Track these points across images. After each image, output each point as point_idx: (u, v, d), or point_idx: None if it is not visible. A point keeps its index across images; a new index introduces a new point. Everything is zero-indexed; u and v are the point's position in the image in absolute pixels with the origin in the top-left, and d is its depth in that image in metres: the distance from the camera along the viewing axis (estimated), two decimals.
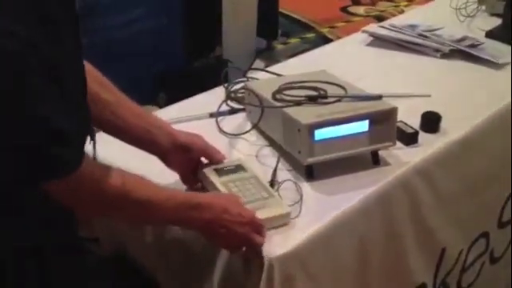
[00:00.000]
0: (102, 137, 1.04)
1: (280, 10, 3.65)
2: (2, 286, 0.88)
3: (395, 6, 4.36)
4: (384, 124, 1.17)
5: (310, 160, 1.14)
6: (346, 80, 1.30)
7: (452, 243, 1.40)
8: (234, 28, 3.05)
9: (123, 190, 0.88)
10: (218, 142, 1.18)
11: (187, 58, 2.94)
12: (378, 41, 1.79)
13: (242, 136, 1.30)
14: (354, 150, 1.17)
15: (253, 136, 1.30)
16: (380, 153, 1.21)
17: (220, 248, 1.05)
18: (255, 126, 1.30)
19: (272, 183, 1.13)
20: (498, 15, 1.93)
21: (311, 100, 1.20)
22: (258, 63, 3.24)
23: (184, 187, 1.13)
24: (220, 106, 1.38)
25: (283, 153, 1.22)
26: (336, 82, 1.28)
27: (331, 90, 1.23)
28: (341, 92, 1.23)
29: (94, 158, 0.97)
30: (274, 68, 1.64)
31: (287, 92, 1.24)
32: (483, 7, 2.01)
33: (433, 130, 1.33)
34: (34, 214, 0.86)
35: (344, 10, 4.31)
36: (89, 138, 0.95)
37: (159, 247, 1.15)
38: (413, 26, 1.81)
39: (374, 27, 1.85)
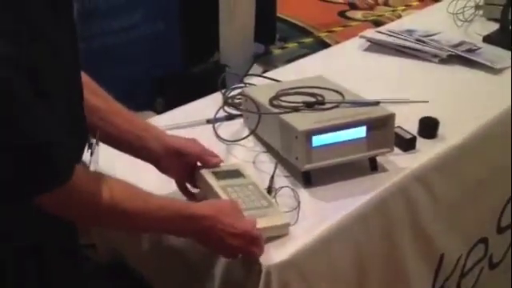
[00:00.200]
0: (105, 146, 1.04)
1: (278, 14, 3.65)
2: (2, 286, 0.88)
3: (393, 11, 4.37)
4: (382, 130, 1.17)
5: (308, 166, 1.13)
6: (344, 85, 1.29)
7: (451, 249, 1.39)
8: (231, 33, 3.05)
9: (114, 202, 0.87)
10: (215, 149, 1.17)
11: (185, 64, 2.93)
12: (376, 46, 1.79)
13: (240, 142, 1.29)
14: (351, 156, 1.16)
15: (250, 142, 1.30)
16: (378, 159, 1.21)
17: (217, 256, 1.04)
18: (252, 133, 1.29)
19: (269, 190, 1.13)
20: (495, 20, 1.93)
21: (308, 106, 1.19)
22: (256, 68, 3.24)
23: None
24: (217, 112, 1.38)
25: (281, 159, 1.21)
26: (333, 87, 1.27)
27: (328, 96, 1.23)
28: (338, 98, 1.23)
29: (89, 166, 0.97)
30: (272, 73, 1.64)
31: (284, 98, 1.23)
32: (480, 12, 2.00)
33: (431, 135, 1.32)
34: (34, 214, 0.85)
35: (342, 14, 4.32)
36: (86, 147, 0.95)
37: (156, 254, 1.14)
38: (410, 31, 1.81)
39: (371, 32, 1.84)
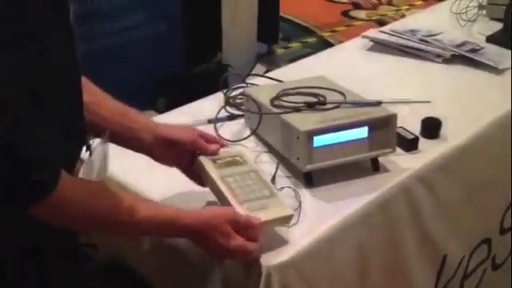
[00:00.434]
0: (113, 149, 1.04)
1: (281, 14, 3.65)
2: (2, 286, 0.88)
3: (396, 11, 4.36)
4: (383, 130, 1.16)
5: (309, 167, 1.12)
6: (346, 85, 1.29)
7: (453, 250, 1.38)
8: (234, 33, 3.05)
9: (103, 212, 0.87)
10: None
11: (187, 64, 2.93)
12: (379, 46, 1.78)
13: (241, 142, 1.29)
14: (353, 156, 1.15)
15: (251, 142, 1.29)
16: (380, 159, 1.20)
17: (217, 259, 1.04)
18: (254, 133, 1.29)
19: None
20: (498, 20, 1.92)
21: (310, 106, 1.19)
22: (259, 68, 3.24)
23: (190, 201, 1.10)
24: (218, 112, 1.37)
25: (282, 159, 1.21)
26: (335, 88, 1.27)
27: (330, 96, 1.22)
28: (340, 98, 1.22)
29: (86, 164, 0.96)
30: (274, 73, 1.63)
31: (286, 98, 1.23)
32: (484, 12, 2.00)
33: (433, 135, 1.31)
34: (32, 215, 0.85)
35: (345, 14, 4.31)
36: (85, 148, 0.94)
37: (156, 255, 1.14)
38: (413, 31, 1.80)
39: (374, 32, 1.84)
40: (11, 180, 0.74)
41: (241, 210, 0.98)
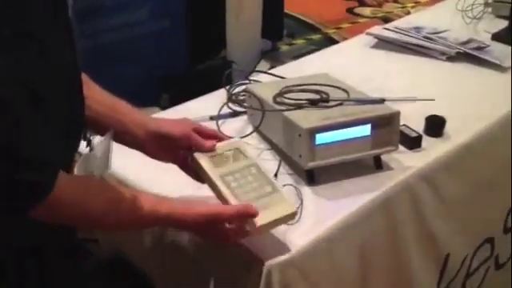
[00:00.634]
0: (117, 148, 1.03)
1: (285, 10, 3.64)
2: (2, 286, 0.87)
3: (402, 8, 4.34)
4: (386, 128, 1.15)
5: (311, 164, 1.12)
6: (350, 83, 1.28)
7: (456, 249, 1.38)
8: (238, 29, 3.04)
9: (99, 211, 0.86)
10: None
11: (191, 60, 2.93)
12: (383, 43, 1.77)
13: (243, 139, 1.28)
14: (355, 154, 1.15)
15: (254, 139, 1.29)
16: (382, 157, 1.19)
17: (219, 254, 1.03)
18: (256, 130, 1.28)
19: None
20: (504, 17, 1.91)
21: (312, 104, 1.18)
22: (263, 64, 3.23)
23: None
24: (221, 109, 1.37)
25: (284, 156, 1.20)
26: (338, 85, 1.26)
27: (333, 94, 1.22)
28: (343, 95, 1.21)
29: (84, 158, 0.96)
30: (278, 70, 1.63)
31: (288, 95, 1.22)
32: (489, 9, 1.99)
33: (437, 133, 1.30)
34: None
35: (350, 11, 4.30)
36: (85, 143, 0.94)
37: (158, 251, 1.13)
38: (418, 29, 1.79)
39: (378, 29, 1.83)
40: (9, 181, 0.74)
41: None
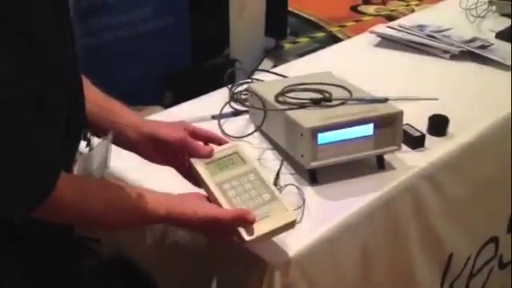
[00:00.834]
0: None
1: (289, 8, 3.62)
2: (17, 265, 0.87)
3: (406, 6, 4.33)
4: (389, 128, 1.14)
5: (313, 164, 1.11)
6: (353, 82, 1.27)
7: (460, 249, 1.37)
8: (241, 27, 3.03)
9: (98, 212, 0.86)
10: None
11: (194, 58, 2.92)
12: (386, 41, 1.76)
13: (245, 139, 1.28)
14: (358, 154, 1.14)
15: (256, 139, 1.28)
16: (385, 157, 1.19)
17: (221, 255, 1.03)
18: (258, 129, 1.28)
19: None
20: (508, 16, 1.90)
21: (315, 103, 1.17)
22: (267, 63, 3.22)
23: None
24: (223, 108, 1.36)
25: (286, 156, 1.19)
26: (341, 84, 1.25)
27: (336, 93, 1.21)
28: (346, 95, 1.21)
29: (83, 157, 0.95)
30: (281, 68, 1.62)
31: (290, 94, 1.21)
32: (493, 8, 1.97)
33: (440, 133, 1.30)
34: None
35: (354, 9, 4.28)
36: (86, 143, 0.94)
37: (159, 250, 1.13)
38: (422, 27, 1.78)
39: (382, 28, 1.82)
40: (10, 182, 0.74)
41: None
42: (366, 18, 4.10)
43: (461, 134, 1.31)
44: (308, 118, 1.12)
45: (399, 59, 1.68)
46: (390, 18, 3.89)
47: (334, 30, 3.91)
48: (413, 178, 1.19)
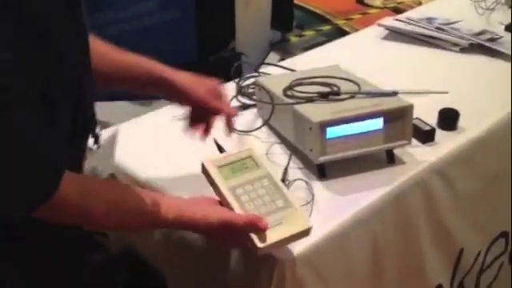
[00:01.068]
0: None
1: (295, 1, 3.61)
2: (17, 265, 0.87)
3: None
4: (399, 122, 1.13)
5: (322, 159, 1.10)
6: (361, 75, 1.26)
7: (470, 244, 1.35)
8: (247, 20, 3.02)
9: (105, 212, 0.85)
10: (227, 139, 1.14)
11: (200, 52, 2.91)
12: (394, 34, 1.75)
13: (253, 133, 1.26)
14: (367, 148, 1.13)
15: (264, 133, 1.27)
16: (395, 151, 1.17)
17: (229, 250, 1.02)
18: (266, 123, 1.26)
19: (283, 182, 1.09)
20: None
21: (323, 97, 1.16)
22: (273, 56, 3.21)
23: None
24: (230, 102, 1.35)
25: (295, 150, 1.18)
26: (349, 77, 1.24)
27: (344, 87, 1.19)
28: (354, 88, 1.19)
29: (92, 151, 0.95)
30: (287, 62, 1.61)
31: (299, 88, 1.20)
32: (503, 0, 1.95)
33: (451, 127, 1.28)
34: None
35: (360, 1, 4.26)
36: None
37: (168, 246, 1.12)
38: (430, 19, 1.76)
39: (389, 20, 1.80)
40: (13, 181, 0.72)
41: None
42: (372, 11, 4.07)
43: (471, 128, 1.29)
44: (316, 112, 1.11)
45: (408, 52, 1.66)
46: (397, 10, 3.86)
47: (341, 22, 3.88)
48: (423, 172, 1.17)
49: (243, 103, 1.38)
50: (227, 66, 1.48)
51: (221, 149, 1.01)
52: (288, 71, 1.45)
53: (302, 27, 3.78)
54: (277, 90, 1.21)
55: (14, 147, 0.71)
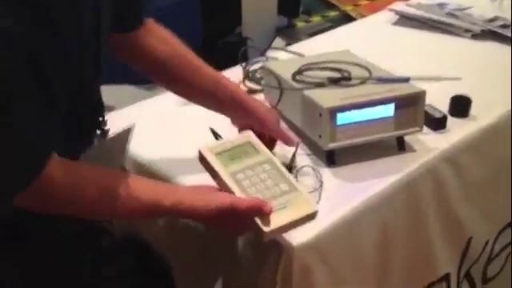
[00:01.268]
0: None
1: None
2: (17, 265, 0.86)
3: None
4: (411, 108, 1.11)
5: (332, 145, 1.08)
6: (371, 61, 1.23)
7: (479, 233, 1.34)
8: (254, 5, 2.99)
9: (96, 197, 0.82)
10: (231, 126, 1.12)
11: (207, 36, 2.88)
12: (405, 20, 1.72)
13: None
14: (378, 135, 1.11)
15: None
16: (406, 138, 1.15)
17: (235, 238, 1.00)
18: (273, 109, 1.24)
19: (290, 168, 1.07)
20: None
21: (334, 82, 1.13)
22: (279, 41, 3.18)
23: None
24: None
25: (303, 137, 1.16)
26: (360, 63, 1.21)
27: (355, 72, 1.17)
28: (365, 74, 1.17)
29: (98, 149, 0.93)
30: (295, 47, 1.59)
31: (308, 73, 1.18)
32: None
33: (462, 114, 1.26)
34: None
35: None
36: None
37: (172, 232, 1.11)
38: (442, 5, 1.74)
39: (400, 5, 1.78)
40: None
41: None
42: None
43: (483, 116, 1.27)
44: (326, 97, 1.08)
45: (419, 38, 1.64)
46: None
47: (348, 8, 3.84)
48: (434, 160, 1.16)
49: (250, 88, 1.36)
50: (234, 51, 1.46)
51: (217, 136, 0.99)
52: (296, 56, 1.42)
53: (309, 13, 3.74)
54: (285, 74, 1.19)
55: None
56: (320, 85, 1.13)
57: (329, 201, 1.03)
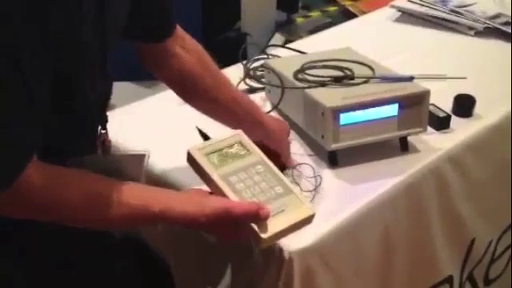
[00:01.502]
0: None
1: None
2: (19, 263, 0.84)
3: None
4: (415, 108, 1.09)
5: (334, 146, 1.06)
6: (372, 58, 1.21)
7: (482, 234, 1.33)
8: (253, 0, 2.97)
9: (79, 203, 0.77)
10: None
11: (205, 32, 2.86)
12: (407, 16, 1.71)
13: None
14: (381, 135, 1.09)
15: None
16: (409, 138, 1.13)
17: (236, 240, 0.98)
18: (275, 108, 1.22)
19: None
20: None
21: (336, 81, 1.12)
22: (278, 37, 3.15)
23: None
24: (238, 85, 1.31)
25: (305, 136, 1.14)
26: (363, 61, 1.19)
27: (358, 70, 1.15)
28: (368, 72, 1.15)
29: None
30: (296, 44, 1.57)
31: (310, 71, 1.16)
32: None
33: (466, 114, 1.24)
34: None
35: None
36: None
37: (171, 232, 1.09)
38: (444, 1, 1.72)
39: (402, 2, 1.75)
40: None
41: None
42: None
43: (487, 115, 1.26)
44: (329, 96, 1.07)
45: (421, 35, 1.62)
46: None
47: (347, 4, 3.81)
48: (437, 160, 1.14)
49: (251, 86, 1.34)
50: (232, 47, 1.43)
51: (206, 137, 0.93)
52: (298, 53, 1.40)
53: (308, 8, 3.72)
54: (287, 72, 1.17)
55: None
56: (323, 84, 1.11)
57: (331, 202, 1.01)
